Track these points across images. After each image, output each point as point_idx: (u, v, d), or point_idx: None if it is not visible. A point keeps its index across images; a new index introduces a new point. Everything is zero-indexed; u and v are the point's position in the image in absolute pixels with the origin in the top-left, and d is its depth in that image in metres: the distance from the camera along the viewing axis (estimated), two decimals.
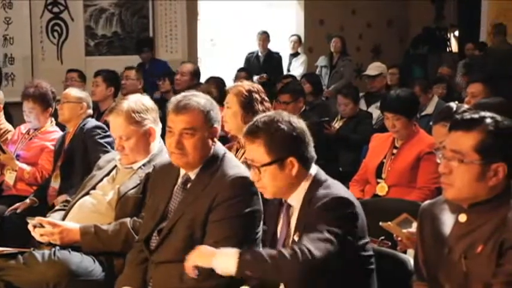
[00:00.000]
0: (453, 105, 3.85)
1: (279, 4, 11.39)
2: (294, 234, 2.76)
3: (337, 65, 9.68)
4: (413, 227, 3.15)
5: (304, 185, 2.76)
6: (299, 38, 10.69)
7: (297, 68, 10.12)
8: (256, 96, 4.30)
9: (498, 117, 2.46)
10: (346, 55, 9.88)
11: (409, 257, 2.94)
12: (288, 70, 10.21)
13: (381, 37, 11.91)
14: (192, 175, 3.12)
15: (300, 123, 2.77)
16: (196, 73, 7.41)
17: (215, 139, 3.13)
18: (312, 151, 2.78)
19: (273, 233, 2.90)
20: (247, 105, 4.23)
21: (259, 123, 2.76)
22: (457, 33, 12.13)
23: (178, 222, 3.05)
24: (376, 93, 7.64)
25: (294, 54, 10.51)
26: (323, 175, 2.81)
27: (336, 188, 2.75)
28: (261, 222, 3.06)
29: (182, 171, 3.17)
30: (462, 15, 11.87)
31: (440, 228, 2.56)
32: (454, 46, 12.12)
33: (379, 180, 4.64)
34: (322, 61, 9.91)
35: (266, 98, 4.41)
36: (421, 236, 2.66)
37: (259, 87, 4.43)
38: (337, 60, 9.73)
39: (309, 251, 2.50)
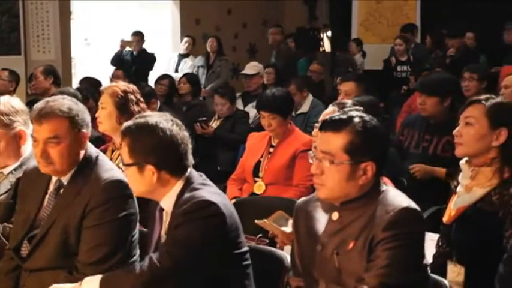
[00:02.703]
0: None
1: (153, 4, 11.30)
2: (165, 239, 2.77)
3: (213, 64, 9.72)
4: (289, 224, 3.21)
5: (177, 188, 2.76)
6: (193, 39, 10.65)
7: (186, 71, 10.04)
8: (132, 97, 4.25)
9: (366, 117, 2.51)
10: (223, 55, 9.94)
11: (286, 254, 2.99)
12: (176, 71, 10.18)
13: (256, 37, 12.04)
14: (65, 180, 3.03)
15: (172, 132, 2.72)
16: (49, 72, 7.05)
17: (84, 144, 3.03)
18: (184, 159, 2.76)
19: (151, 237, 2.89)
20: (122, 106, 4.16)
21: (132, 124, 2.76)
22: (329, 33, 12.43)
23: (51, 229, 2.96)
24: (252, 93, 7.70)
25: (184, 55, 10.48)
26: (196, 177, 2.80)
27: (204, 190, 2.74)
28: (137, 225, 3.03)
29: (54, 177, 3.08)
30: (334, 15, 12.17)
31: (314, 225, 2.60)
32: (326, 46, 12.41)
33: (256, 179, 4.69)
34: (199, 61, 9.94)
35: (141, 99, 4.36)
36: (297, 233, 2.70)
37: (135, 87, 4.37)
38: (214, 60, 9.77)
39: (153, 263, 2.62)
